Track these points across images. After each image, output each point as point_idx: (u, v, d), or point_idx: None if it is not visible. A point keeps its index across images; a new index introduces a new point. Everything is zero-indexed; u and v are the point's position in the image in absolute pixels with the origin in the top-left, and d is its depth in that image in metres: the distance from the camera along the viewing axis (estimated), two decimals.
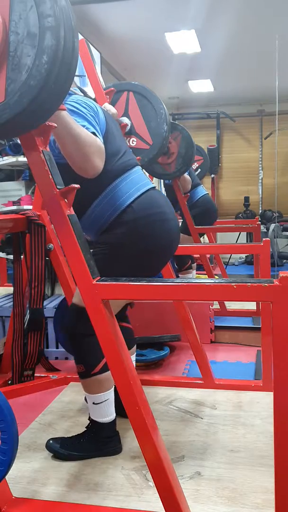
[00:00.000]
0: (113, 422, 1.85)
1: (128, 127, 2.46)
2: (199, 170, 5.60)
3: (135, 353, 2.22)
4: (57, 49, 1.06)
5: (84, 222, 1.73)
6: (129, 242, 1.70)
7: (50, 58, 1.06)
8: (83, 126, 1.55)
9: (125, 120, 2.44)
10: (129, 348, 2.07)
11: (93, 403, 1.81)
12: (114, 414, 1.85)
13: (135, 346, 2.21)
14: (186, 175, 3.89)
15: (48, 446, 1.85)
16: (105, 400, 1.80)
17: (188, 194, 4.03)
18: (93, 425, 1.85)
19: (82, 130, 1.50)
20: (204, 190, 4.37)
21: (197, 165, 5.52)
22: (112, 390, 1.81)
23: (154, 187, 1.82)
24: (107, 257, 1.71)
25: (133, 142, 2.51)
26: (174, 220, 1.82)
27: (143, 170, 1.87)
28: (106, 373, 1.77)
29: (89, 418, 1.86)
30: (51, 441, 1.86)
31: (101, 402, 1.80)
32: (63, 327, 1.90)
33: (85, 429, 1.88)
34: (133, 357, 2.18)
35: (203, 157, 5.67)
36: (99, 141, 1.56)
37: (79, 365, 1.79)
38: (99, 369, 1.76)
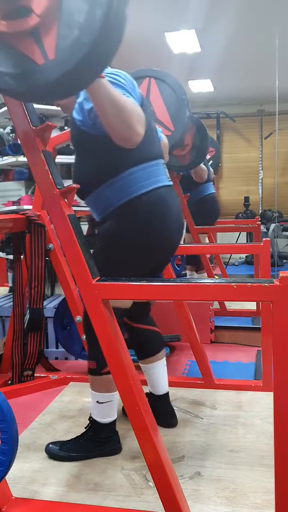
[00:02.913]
0: (113, 423, 1.85)
1: None
2: (211, 161, 5.55)
3: (164, 357, 2.11)
4: (110, 6, 1.01)
5: (90, 199, 1.74)
6: (125, 234, 1.68)
7: (104, 14, 1.01)
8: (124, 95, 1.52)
9: None
10: (159, 351, 2.06)
11: (97, 401, 1.81)
12: (116, 416, 1.85)
13: (163, 350, 2.11)
14: (202, 164, 3.86)
15: (48, 450, 1.85)
16: (109, 401, 1.80)
17: (188, 194, 4.02)
18: (92, 425, 1.85)
19: (123, 98, 1.46)
20: (213, 188, 4.36)
21: (209, 156, 5.47)
22: (117, 393, 1.81)
23: (170, 185, 1.77)
24: (103, 249, 1.71)
25: None
26: (178, 223, 1.80)
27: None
28: None
29: (89, 418, 1.86)
30: (50, 445, 1.86)
31: (105, 402, 1.80)
32: (84, 322, 1.86)
33: (84, 429, 1.88)
34: (163, 361, 2.09)
35: (215, 149, 5.62)
36: (140, 108, 1.53)
37: (91, 362, 1.79)
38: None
